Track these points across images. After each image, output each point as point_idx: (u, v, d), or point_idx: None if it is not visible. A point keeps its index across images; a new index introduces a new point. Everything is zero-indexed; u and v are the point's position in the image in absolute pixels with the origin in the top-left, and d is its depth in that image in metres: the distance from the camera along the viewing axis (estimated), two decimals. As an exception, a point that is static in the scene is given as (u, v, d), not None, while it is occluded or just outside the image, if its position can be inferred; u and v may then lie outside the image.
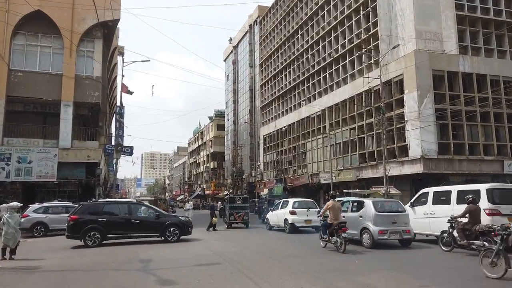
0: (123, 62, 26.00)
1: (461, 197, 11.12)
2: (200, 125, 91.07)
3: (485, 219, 10.25)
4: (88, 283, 7.39)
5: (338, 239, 10.63)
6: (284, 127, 45.99)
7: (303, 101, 41.99)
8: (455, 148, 25.93)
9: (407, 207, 13.39)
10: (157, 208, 16.32)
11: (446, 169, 25.53)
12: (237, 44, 67.25)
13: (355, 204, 13.15)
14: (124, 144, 26.90)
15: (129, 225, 13.65)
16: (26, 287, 7.18)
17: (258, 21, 57.51)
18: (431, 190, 13.16)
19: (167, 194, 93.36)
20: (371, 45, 30.52)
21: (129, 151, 26.86)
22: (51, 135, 24.43)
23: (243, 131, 63.18)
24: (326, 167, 36.52)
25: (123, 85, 25.51)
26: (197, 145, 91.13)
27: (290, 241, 14.58)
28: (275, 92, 49.82)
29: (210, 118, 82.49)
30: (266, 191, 48.25)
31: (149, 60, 26.62)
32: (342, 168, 33.55)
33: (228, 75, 73.22)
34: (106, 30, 25.78)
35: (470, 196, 10.21)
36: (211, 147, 77.77)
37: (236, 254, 10.77)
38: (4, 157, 22.59)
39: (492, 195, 10.96)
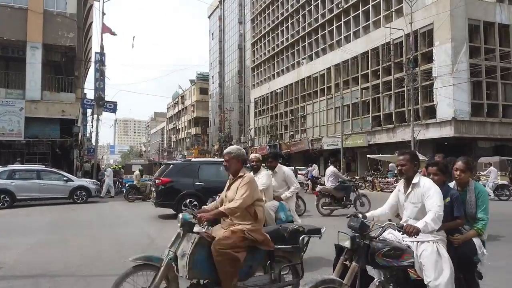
0: (104, -4, 21.15)
1: None
2: (181, 89, 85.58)
3: None
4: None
5: None
6: (279, 88, 42.16)
7: (303, 59, 38.12)
8: (488, 109, 23.16)
9: None
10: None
11: (478, 133, 22.80)
12: (224, -2, 61.63)
13: None
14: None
15: None
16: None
17: (249, -29, 52.10)
18: None
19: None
20: (392, -9, 26.73)
21: (113, 107, 22.54)
22: (15, 84, 19.92)
23: (230, 94, 58.89)
24: (330, 132, 33.40)
25: (104, 26, 20.87)
26: (177, 110, 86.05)
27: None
28: (269, 51, 45.52)
29: (191, 81, 77.21)
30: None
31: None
32: (350, 132, 30.41)
33: (213, 34, 67.79)
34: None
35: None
36: (193, 111, 73.10)
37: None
38: (-45, 109, 18.00)
39: None
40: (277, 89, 42.68)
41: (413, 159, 3.26)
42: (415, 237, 2.92)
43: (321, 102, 34.70)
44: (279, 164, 5.74)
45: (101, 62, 21.26)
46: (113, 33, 20.55)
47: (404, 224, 2.93)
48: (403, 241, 3.14)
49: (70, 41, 20.44)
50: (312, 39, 36.54)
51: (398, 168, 3.28)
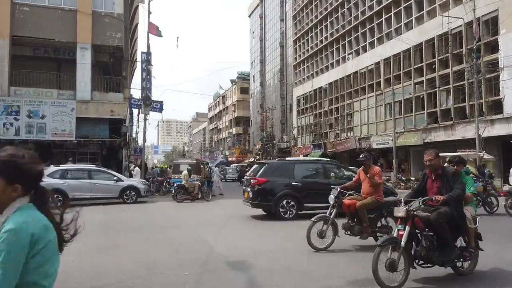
0: (150, -5, 21.10)
1: None
2: (222, 89, 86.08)
3: None
4: None
5: None
6: (324, 85, 40.82)
7: (349, 54, 36.57)
8: None
9: None
10: None
11: (552, 129, 20.49)
12: (265, -4, 60.96)
13: None
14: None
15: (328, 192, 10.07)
16: None
17: (291, -33, 51.05)
18: None
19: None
20: (450, -23, 24.75)
21: (159, 106, 22.54)
22: (66, 85, 20.30)
23: (272, 93, 58.16)
24: (380, 130, 31.71)
25: (151, 25, 20.83)
26: (218, 110, 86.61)
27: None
28: (312, 47, 44.23)
29: (232, 81, 77.35)
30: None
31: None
32: (403, 130, 28.62)
33: (253, 32, 67.35)
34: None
35: None
36: (234, 111, 73.09)
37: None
38: (11, 110, 18.55)
39: None
40: (321, 87, 41.32)
41: None
42: None
43: (369, 99, 33.06)
44: None
45: (147, 61, 21.23)
46: (158, 34, 20.39)
47: None
48: None
49: (118, 41, 20.57)
50: (359, 33, 34.92)
51: None
